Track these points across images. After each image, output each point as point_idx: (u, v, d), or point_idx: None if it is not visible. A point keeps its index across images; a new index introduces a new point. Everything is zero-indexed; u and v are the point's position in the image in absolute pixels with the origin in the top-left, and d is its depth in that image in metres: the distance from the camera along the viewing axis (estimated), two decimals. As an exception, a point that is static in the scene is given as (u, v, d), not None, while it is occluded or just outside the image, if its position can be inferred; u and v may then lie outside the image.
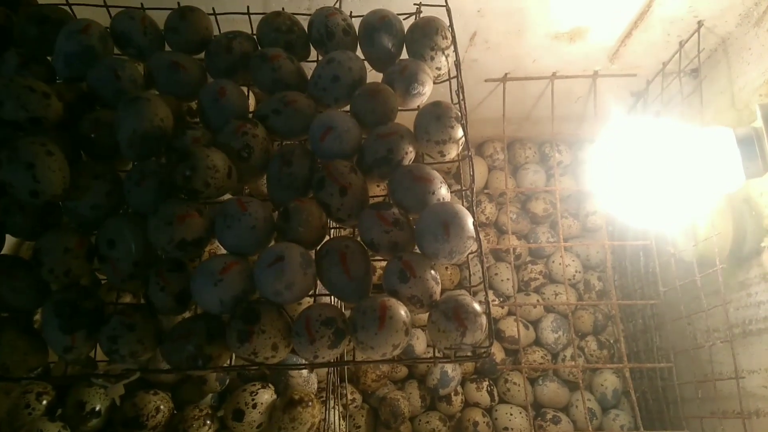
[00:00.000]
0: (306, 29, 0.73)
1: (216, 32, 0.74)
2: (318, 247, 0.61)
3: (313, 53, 0.74)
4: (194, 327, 0.56)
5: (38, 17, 0.68)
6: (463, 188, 0.69)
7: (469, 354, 0.55)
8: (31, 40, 0.67)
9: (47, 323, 0.56)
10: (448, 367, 1.05)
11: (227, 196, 0.64)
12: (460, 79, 0.67)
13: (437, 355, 0.58)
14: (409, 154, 0.64)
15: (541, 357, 1.12)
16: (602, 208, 1.07)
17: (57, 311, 0.56)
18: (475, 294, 1.12)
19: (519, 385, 1.08)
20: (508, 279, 1.15)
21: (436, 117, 0.64)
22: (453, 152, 0.66)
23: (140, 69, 0.67)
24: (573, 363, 1.07)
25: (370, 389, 1.06)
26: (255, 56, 0.68)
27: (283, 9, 0.73)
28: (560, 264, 1.14)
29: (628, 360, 1.02)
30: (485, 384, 1.09)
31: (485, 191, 1.23)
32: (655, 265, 0.99)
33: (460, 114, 0.65)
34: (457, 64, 0.68)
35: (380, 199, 0.70)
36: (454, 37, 0.68)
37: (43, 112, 0.59)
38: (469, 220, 0.59)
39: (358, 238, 0.62)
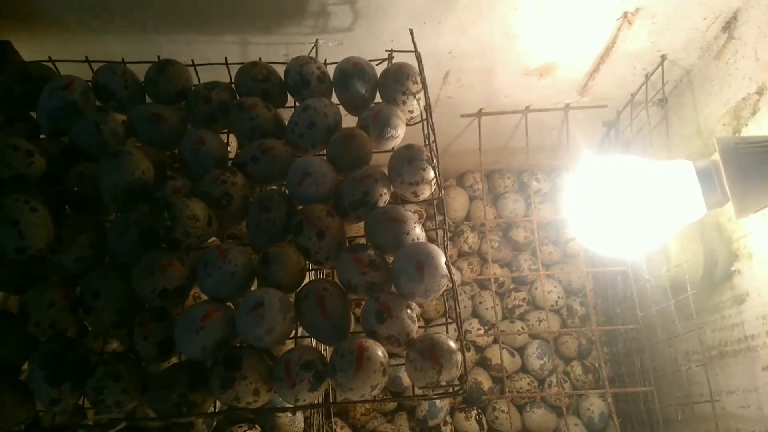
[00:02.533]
0: (282, 77, 0.76)
1: (195, 82, 0.77)
2: (297, 290, 0.63)
3: (290, 100, 0.77)
4: (178, 375, 0.58)
5: (22, 75, 0.70)
6: (437, 226, 0.71)
7: (444, 392, 0.57)
8: (15, 97, 0.70)
9: (34, 376, 0.57)
10: (437, 399, 1.06)
11: (212, 240, 0.66)
12: (430, 121, 0.70)
13: (415, 393, 0.60)
14: (384, 196, 0.66)
15: (528, 383, 1.13)
16: (577, 237, 1.09)
17: (43, 364, 0.57)
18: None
19: (506, 412, 1.09)
20: (492, 307, 1.16)
21: (408, 160, 0.66)
22: (426, 192, 0.68)
23: (121, 121, 0.69)
24: (558, 389, 1.08)
25: (360, 423, 1.07)
26: (233, 106, 0.71)
27: (260, 59, 0.76)
28: (542, 290, 1.16)
29: (612, 384, 1.04)
30: (474, 413, 1.10)
31: (466, 222, 1.25)
32: (632, 290, 1.02)
33: (431, 156, 0.68)
34: (428, 108, 0.71)
35: (362, 238, 0.72)
36: (424, 82, 0.71)
37: (26, 170, 0.60)
38: (442, 259, 0.61)
39: (337, 280, 0.64)
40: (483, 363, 1.16)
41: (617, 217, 0.78)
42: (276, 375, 0.57)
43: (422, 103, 0.73)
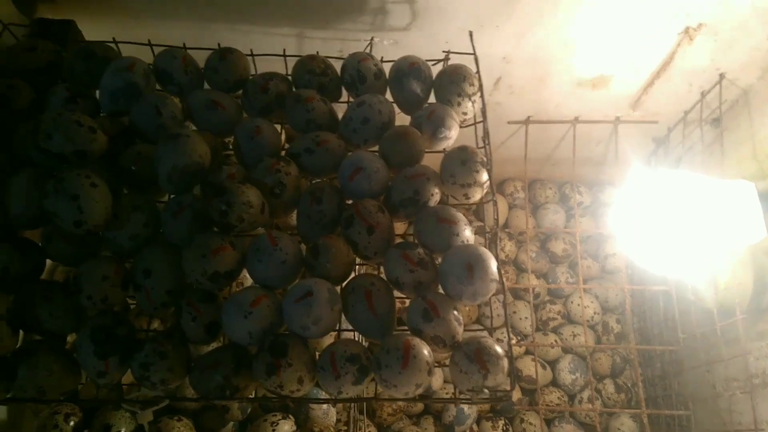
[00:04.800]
0: (338, 72, 0.76)
1: (253, 72, 0.78)
2: (344, 284, 0.63)
3: (344, 94, 0.77)
4: (222, 357, 0.58)
5: (86, 53, 0.71)
6: (486, 230, 0.70)
7: (489, 397, 0.56)
8: (78, 75, 0.71)
9: (82, 348, 0.58)
10: (465, 405, 1.05)
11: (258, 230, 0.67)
12: (486, 125, 0.69)
13: (459, 396, 0.59)
14: (435, 196, 0.66)
15: (558, 398, 1.12)
16: (622, 252, 1.07)
17: (93, 337, 0.58)
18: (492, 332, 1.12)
19: (535, 425, 1.08)
20: (526, 318, 1.15)
21: (461, 161, 0.66)
22: (477, 195, 0.68)
23: (179, 105, 0.70)
24: (591, 405, 1.06)
25: (386, 423, 1.06)
26: (290, 97, 0.71)
27: (317, 52, 0.77)
28: (579, 305, 1.14)
29: (646, 406, 1.01)
30: (501, 423, 1.09)
31: (506, 230, 1.24)
32: (675, 311, 0.99)
33: (485, 159, 0.67)
34: (483, 111, 0.70)
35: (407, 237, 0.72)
36: (480, 85, 0.71)
37: (88, 146, 0.62)
38: (493, 263, 0.60)
39: (383, 276, 0.64)
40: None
41: (668, 234, 0.77)
42: (321, 365, 0.57)
43: (477, 105, 0.73)
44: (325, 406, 0.76)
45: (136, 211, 0.62)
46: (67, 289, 0.61)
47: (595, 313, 1.17)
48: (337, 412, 0.80)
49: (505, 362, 0.57)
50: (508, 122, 1.09)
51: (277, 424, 0.71)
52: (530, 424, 1.09)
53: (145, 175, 0.65)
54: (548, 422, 1.13)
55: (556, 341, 1.16)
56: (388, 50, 0.87)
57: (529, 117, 1.07)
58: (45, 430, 0.71)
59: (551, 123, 1.08)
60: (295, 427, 0.73)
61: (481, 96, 0.70)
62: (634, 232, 0.95)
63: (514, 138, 1.14)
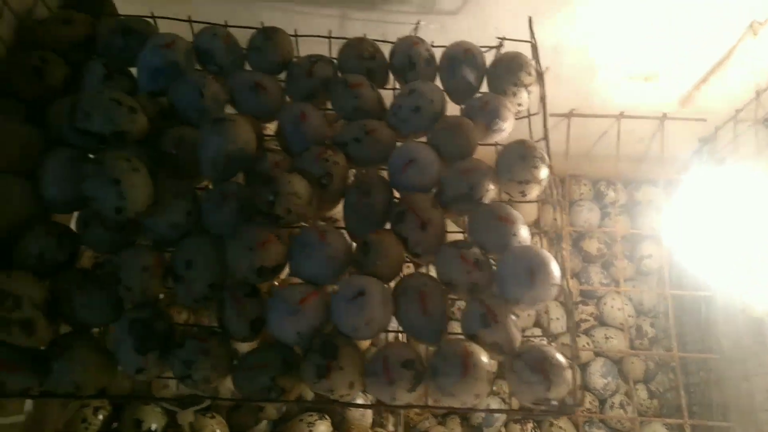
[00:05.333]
0: (386, 56, 0.72)
1: (295, 53, 0.74)
2: (394, 283, 0.60)
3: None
4: (269, 357, 0.55)
5: (124, 28, 0.68)
6: (552, 233, 0.67)
7: (552, 410, 0.53)
8: (115, 51, 0.67)
9: (120, 342, 0.55)
10: (494, 405, 1.02)
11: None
12: (546, 117, 0.66)
13: (515, 407, 0.56)
14: (490, 192, 0.62)
15: (589, 402, 1.09)
16: (664, 254, 1.03)
17: (132, 331, 0.55)
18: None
19: (564, 429, 1.05)
20: (558, 318, 1.12)
21: (521, 156, 0.62)
22: (534, 192, 0.64)
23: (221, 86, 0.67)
24: (625, 412, 1.03)
25: (413, 422, 1.03)
26: (337, 82, 0.68)
27: (365, 35, 0.72)
28: (613, 307, 1.10)
29: (678, 413, 0.98)
30: (530, 426, 1.06)
31: (535, 228, 1.20)
32: (717, 318, 0.96)
33: (545, 155, 0.63)
34: (544, 102, 0.66)
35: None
36: (541, 74, 0.67)
37: (128, 127, 0.58)
38: (555, 267, 0.56)
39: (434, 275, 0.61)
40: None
41: (716, 238, 0.73)
42: (372, 370, 0.53)
43: (533, 96, 0.69)
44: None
45: (177, 199, 0.59)
46: (103, 279, 0.57)
47: (629, 316, 1.14)
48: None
49: (569, 373, 0.54)
50: (550, 114, 1.04)
51: (314, 424, 0.68)
52: (560, 427, 1.06)
53: (186, 159, 0.61)
54: (576, 427, 1.10)
55: (587, 344, 1.12)
56: (434, 35, 0.82)
57: (572, 110, 1.03)
58: (73, 424, 0.68)
59: (595, 117, 1.03)
60: (331, 428, 0.70)
61: (542, 86, 0.66)
62: (680, 233, 0.91)
63: (553, 131, 1.09)
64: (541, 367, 0.53)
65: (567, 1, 0.78)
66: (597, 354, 1.13)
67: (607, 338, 1.12)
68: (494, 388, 1.07)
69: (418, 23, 0.80)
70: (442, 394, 0.52)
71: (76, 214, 0.64)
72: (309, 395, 0.71)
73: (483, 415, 1.03)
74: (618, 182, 1.23)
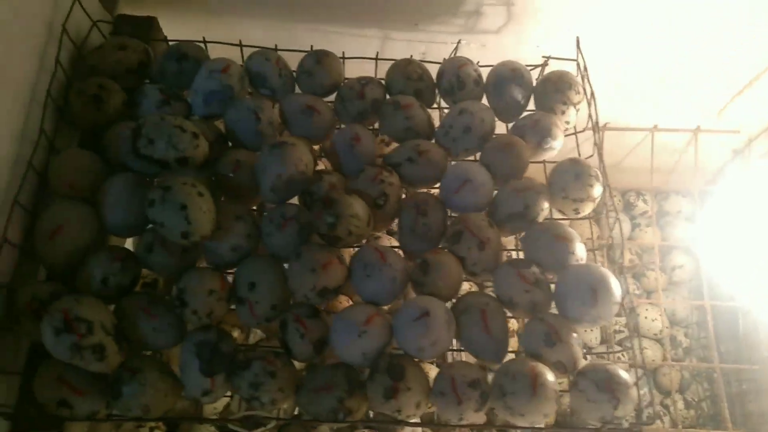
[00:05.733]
0: (433, 77, 0.73)
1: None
2: (453, 303, 0.60)
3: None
4: (335, 378, 0.55)
5: (178, 54, 0.69)
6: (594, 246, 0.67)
7: (619, 428, 0.54)
8: (169, 76, 0.69)
9: (186, 365, 0.56)
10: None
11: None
12: (598, 134, 0.66)
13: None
14: (544, 210, 0.63)
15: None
16: (699, 263, 1.04)
17: (198, 353, 0.55)
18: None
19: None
20: (592, 329, 1.12)
21: (575, 175, 0.63)
22: (587, 210, 0.65)
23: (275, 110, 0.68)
24: (661, 423, 1.03)
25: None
26: (388, 104, 0.69)
27: (411, 56, 0.73)
28: (647, 317, 1.11)
29: (720, 426, 0.98)
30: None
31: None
32: (755, 328, 0.96)
33: (599, 173, 0.64)
34: (596, 120, 0.67)
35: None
36: (592, 92, 0.68)
37: (192, 152, 0.59)
38: (616, 285, 0.57)
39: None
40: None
41: (754, 248, 0.74)
42: (439, 390, 0.54)
43: (581, 114, 0.70)
44: (419, 429, 0.74)
45: (238, 221, 0.60)
46: (169, 303, 0.58)
47: (664, 326, 1.14)
48: None
49: (635, 391, 0.54)
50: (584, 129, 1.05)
51: (366, 442, 0.69)
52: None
53: (243, 182, 0.62)
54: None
55: (622, 355, 1.12)
56: (474, 54, 0.84)
57: (606, 123, 1.04)
58: (129, 443, 0.69)
59: (629, 130, 1.04)
60: (384, 446, 0.70)
61: (594, 105, 0.67)
62: (713, 244, 0.92)
63: (584, 144, 1.10)
64: (608, 386, 0.53)
65: (604, 19, 0.79)
66: (631, 366, 1.13)
67: (641, 349, 1.12)
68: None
69: (458, 42, 0.81)
70: (510, 414, 0.53)
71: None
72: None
73: None
74: (647, 193, 1.24)
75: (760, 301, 0.96)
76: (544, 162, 0.71)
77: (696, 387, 1.14)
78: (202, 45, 0.72)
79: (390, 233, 0.82)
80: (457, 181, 0.63)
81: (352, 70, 0.74)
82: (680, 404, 1.09)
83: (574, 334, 0.56)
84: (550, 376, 0.53)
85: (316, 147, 0.72)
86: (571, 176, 0.63)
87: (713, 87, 0.94)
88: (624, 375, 0.54)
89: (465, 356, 0.66)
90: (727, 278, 0.90)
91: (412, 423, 0.55)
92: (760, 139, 1.01)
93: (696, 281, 1.19)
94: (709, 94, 0.95)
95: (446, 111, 0.74)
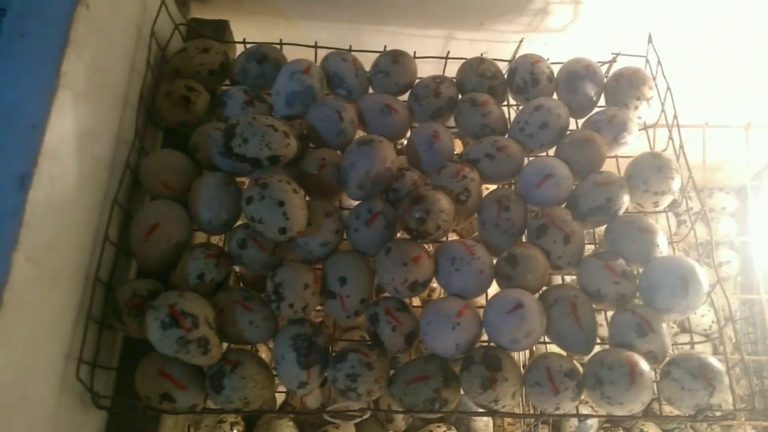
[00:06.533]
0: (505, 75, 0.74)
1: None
2: (540, 296, 0.61)
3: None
4: (430, 369, 0.56)
5: (259, 56, 0.70)
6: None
7: (715, 416, 0.54)
8: (251, 77, 0.70)
9: (283, 358, 0.57)
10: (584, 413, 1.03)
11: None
12: (678, 129, 0.67)
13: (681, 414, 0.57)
14: (625, 204, 0.64)
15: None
16: (749, 259, 1.05)
17: (295, 346, 0.57)
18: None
19: (654, 436, 1.05)
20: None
21: (657, 168, 0.64)
22: (666, 203, 0.66)
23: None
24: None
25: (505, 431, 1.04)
26: (464, 101, 0.70)
27: (482, 54, 0.75)
28: (696, 313, 1.11)
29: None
30: (620, 431, 1.07)
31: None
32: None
33: (678, 166, 0.65)
34: (675, 114, 0.69)
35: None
36: (668, 87, 0.69)
37: (283, 151, 0.60)
38: (704, 276, 0.58)
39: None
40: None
41: None
42: (535, 380, 0.55)
43: (654, 109, 0.71)
44: (486, 418, 0.75)
45: (327, 218, 0.61)
46: (263, 298, 0.60)
47: (713, 322, 1.14)
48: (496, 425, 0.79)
49: (727, 379, 0.55)
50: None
51: (442, 435, 0.70)
52: (648, 433, 1.06)
53: (328, 180, 0.64)
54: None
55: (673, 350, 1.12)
56: (537, 52, 0.85)
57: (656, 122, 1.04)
58: (212, 438, 0.70)
59: (681, 127, 1.04)
60: (457, 439, 0.71)
61: (672, 100, 0.68)
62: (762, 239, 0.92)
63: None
64: (703, 374, 0.54)
65: (669, 17, 0.80)
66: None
67: (692, 345, 1.12)
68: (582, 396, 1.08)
69: (521, 41, 0.82)
70: (608, 403, 0.54)
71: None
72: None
73: (576, 423, 1.03)
74: (691, 189, 1.24)
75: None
76: (616, 157, 0.72)
77: (744, 383, 1.14)
78: (278, 47, 0.73)
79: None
80: (539, 176, 0.64)
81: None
82: (729, 399, 1.09)
83: (663, 325, 0.57)
84: (645, 366, 0.54)
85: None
86: (652, 169, 0.64)
87: (762, 82, 0.94)
88: (717, 363, 0.55)
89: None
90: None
91: (506, 413, 0.55)
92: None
93: (742, 277, 1.19)
94: (759, 90, 0.96)
95: (514, 108, 0.75)
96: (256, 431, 0.71)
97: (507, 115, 0.72)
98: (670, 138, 0.69)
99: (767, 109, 1.01)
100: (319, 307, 0.63)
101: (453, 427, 0.71)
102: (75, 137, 0.52)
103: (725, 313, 1.18)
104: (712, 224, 1.23)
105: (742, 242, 1.20)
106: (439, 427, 0.71)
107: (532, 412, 0.72)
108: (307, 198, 0.62)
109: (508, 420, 1.01)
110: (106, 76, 0.59)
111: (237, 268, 0.69)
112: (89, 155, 0.55)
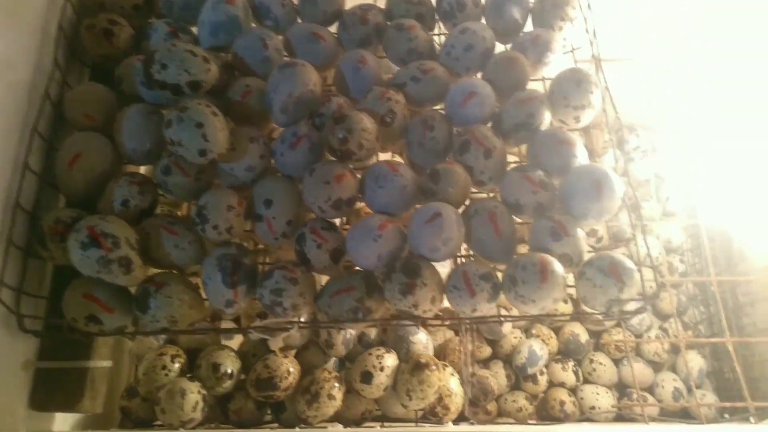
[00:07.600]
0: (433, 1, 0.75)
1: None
2: (463, 208, 0.63)
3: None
4: (354, 281, 0.58)
5: (184, -13, 0.70)
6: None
7: (632, 309, 0.57)
8: (176, 10, 0.70)
9: (209, 278, 0.58)
10: (536, 346, 1.06)
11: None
12: (596, 46, 0.69)
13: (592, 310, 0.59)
14: (547, 120, 0.65)
15: (626, 338, 1.12)
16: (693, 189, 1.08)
17: (221, 266, 0.58)
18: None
19: (605, 365, 1.09)
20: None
21: (576, 82, 0.65)
22: (587, 119, 0.67)
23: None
24: (661, 344, 1.07)
25: (457, 367, 1.07)
26: (391, 27, 0.70)
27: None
28: (642, 246, 1.14)
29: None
30: (570, 364, 1.10)
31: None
32: (749, 243, 1.00)
33: (597, 80, 0.66)
34: (594, 33, 0.70)
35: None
36: (589, 5, 0.70)
37: (203, 76, 0.61)
38: (618, 180, 0.60)
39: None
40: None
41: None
42: (453, 285, 0.57)
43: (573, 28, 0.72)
44: (423, 339, 0.77)
45: (252, 143, 0.62)
46: (189, 222, 0.60)
47: (659, 254, 1.17)
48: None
49: (638, 275, 0.57)
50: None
51: (383, 357, 0.72)
52: (600, 363, 1.10)
53: (253, 108, 0.64)
54: (615, 362, 1.14)
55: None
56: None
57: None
58: (154, 371, 0.71)
59: (617, 61, 1.06)
60: (398, 361, 0.73)
61: (592, 19, 0.69)
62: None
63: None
64: (613, 271, 0.56)
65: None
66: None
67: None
68: (533, 331, 1.11)
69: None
70: (522, 302, 0.56)
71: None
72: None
73: (527, 354, 1.06)
74: (639, 128, 1.26)
75: (751, 217, 1.00)
76: (543, 78, 0.73)
77: (693, 310, 1.18)
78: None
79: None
80: (463, 94, 0.65)
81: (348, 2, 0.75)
82: (678, 326, 1.13)
83: (579, 230, 0.59)
84: (558, 266, 0.56)
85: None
86: (572, 83, 0.65)
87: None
88: (627, 260, 0.57)
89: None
90: (719, 199, 0.94)
91: (427, 318, 0.57)
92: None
93: (689, 210, 1.22)
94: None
95: (444, 37, 0.76)
96: (198, 362, 0.72)
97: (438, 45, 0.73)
98: (597, 56, 0.70)
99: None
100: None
101: (392, 351, 0.73)
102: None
103: (674, 245, 1.22)
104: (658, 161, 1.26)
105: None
106: (378, 350, 0.73)
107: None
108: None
109: (448, 340, 1.03)
110: (20, 5, 0.59)
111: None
112: (3, 81, 0.55)
